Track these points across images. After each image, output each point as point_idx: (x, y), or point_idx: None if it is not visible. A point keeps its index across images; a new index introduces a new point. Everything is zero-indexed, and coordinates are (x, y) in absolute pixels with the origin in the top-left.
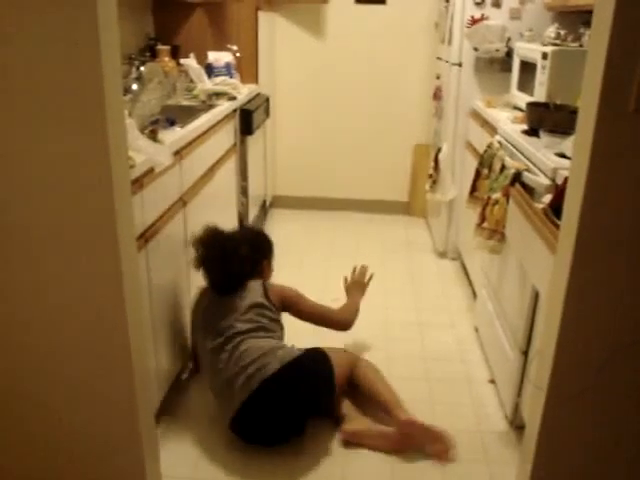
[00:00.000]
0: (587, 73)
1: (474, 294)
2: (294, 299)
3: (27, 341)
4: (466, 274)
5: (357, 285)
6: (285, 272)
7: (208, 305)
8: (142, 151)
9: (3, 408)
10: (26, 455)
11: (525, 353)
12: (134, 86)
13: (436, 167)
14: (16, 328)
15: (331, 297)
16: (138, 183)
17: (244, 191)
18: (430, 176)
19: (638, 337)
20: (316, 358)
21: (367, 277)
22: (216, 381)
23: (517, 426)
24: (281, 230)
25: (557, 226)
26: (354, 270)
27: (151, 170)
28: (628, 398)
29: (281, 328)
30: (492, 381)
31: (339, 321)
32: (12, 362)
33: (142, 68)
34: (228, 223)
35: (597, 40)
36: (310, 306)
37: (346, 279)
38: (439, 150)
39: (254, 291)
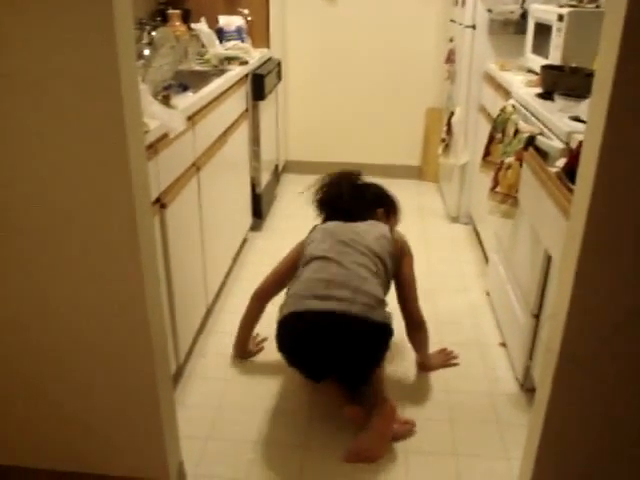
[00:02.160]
0: (604, 32)
1: (486, 259)
2: (406, 252)
3: (45, 314)
4: (478, 239)
5: (436, 359)
6: (298, 237)
7: (335, 227)
8: (156, 117)
9: (23, 382)
10: (44, 425)
11: (536, 317)
12: (146, 51)
13: (449, 131)
14: (34, 301)
15: None
16: (153, 149)
17: (256, 156)
18: (443, 140)
19: None
20: (385, 333)
21: (444, 362)
22: (306, 281)
23: (528, 389)
24: (293, 195)
25: (571, 190)
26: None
27: (165, 136)
28: (638, 364)
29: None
30: (503, 344)
31: (419, 311)
32: (30, 337)
33: (154, 33)
34: (241, 188)
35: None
36: (413, 272)
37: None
38: (452, 114)
39: (382, 226)
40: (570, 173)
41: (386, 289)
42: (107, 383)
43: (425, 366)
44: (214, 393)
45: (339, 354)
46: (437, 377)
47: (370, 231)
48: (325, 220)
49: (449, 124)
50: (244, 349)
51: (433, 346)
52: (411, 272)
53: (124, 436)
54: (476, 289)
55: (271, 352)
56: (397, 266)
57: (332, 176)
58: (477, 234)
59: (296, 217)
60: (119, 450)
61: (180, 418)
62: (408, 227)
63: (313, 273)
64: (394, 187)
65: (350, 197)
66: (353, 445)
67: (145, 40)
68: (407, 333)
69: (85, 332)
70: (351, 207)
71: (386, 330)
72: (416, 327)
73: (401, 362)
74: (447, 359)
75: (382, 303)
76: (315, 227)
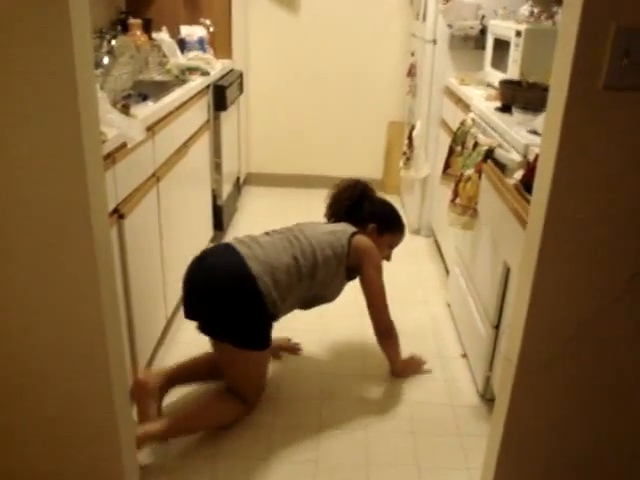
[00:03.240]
0: (558, 49)
1: (447, 271)
2: (367, 260)
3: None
4: (439, 251)
5: (408, 365)
6: None
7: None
8: (114, 125)
9: None
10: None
11: (496, 327)
12: (105, 60)
13: (410, 144)
14: None
15: None
16: (110, 158)
17: (218, 168)
18: (404, 153)
19: (603, 310)
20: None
21: (414, 370)
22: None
23: (488, 399)
24: (255, 208)
25: (528, 201)
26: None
27: (124, 145)
28: (595, 368)
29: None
30: (464, 356)
31: (385, 319)
32: None
33: (113, 42)
34: (202, 200)
35: (568, 16)
36: (377, 279)
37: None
38: (413, 127)
39: (348, 228)
40: (527, 185)
41: (299, 278)
42: (62, 396)
43: (397, 372)
44: (174, 406)
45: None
46: (398, 389)
47: (326, 228)
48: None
49: (410, 137)
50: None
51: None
52: (375, 276)
53: (80, 452)
54: (437, 301)
55: None
56: (359, 270)
57: (348, 183)
58: (438, 246)
59: (257, 229)
60: (76, 467)
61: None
62: None
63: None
64: None
65: (348, 204)
66: None
67: (105, 49)
68: (377, 340)
69: (39, 344)
70: (344, 212)
71: (249, 279)
72: (384, 334)
73: (365, 372)
74: (418, 366)
75: (272, 272)
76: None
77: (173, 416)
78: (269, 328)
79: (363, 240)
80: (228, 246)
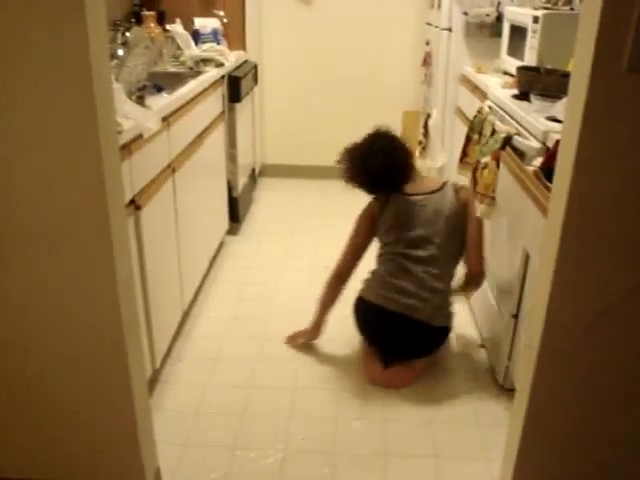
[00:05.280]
0: (580, 33)
1: None
2: (471, 200)
3: (15, 317)
4: None
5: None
6: (276, 241)
7: (403, 214)
8: (130, 116)
9: None
10: (18, 434)
11: (515, 316)
12: (120, 52)
13: (426, 133)
14: (3, 305)
15: (323, 265)
16: (126, 149)
17: (233, 159)
18: (420, 142)
19: (626, 296)
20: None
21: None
22: (393, 273)
23: (507, 389)
24: (271, 199)
25: (548, 189)
26: None
27: (139, 136)
28: (618, 357)
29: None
30: (482, 346)
31: (481, 256)
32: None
33: (128, 34)
34: (218, 191)
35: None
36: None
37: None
38: (429, 116)
39: (445, 195)
40: (547, 172)
41: (456, 258)
42: (80, 388)
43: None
44: (191, 398)
45: (397, 347)
46: (418, 379)
47: (440, 212)
48: (371, 189)
49: (426, 126)
50: (320, 331)
51: None
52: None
53: (99, 443)
54: None
55: (249, 358)
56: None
57: (365, 145)
58: None
59: (273, 221)
60: (94, 458)
61: (157, 424)
62: None
63: (388, 275)
64: None
65: (388, 168)
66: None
67: (119, 41)
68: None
69: (57, 337)
70: (395, 177)
71: (443, 332)
72: (479, 263)
73: None
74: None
75: (446, 302)
76: (384, 200)
77: None
78: None
79: (462, 189)
80: None
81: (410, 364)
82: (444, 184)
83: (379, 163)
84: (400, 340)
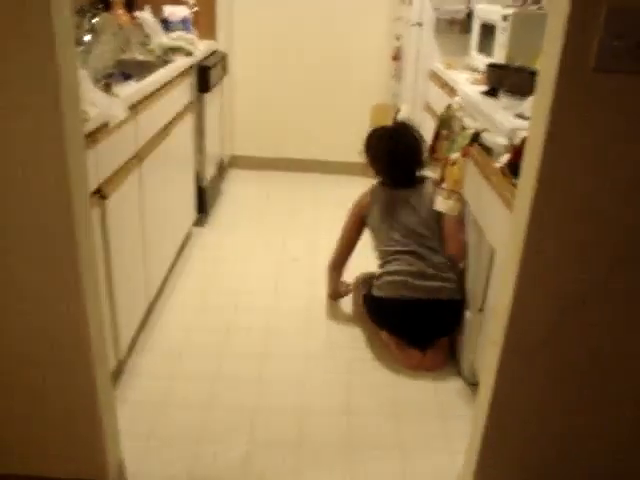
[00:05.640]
0: (548, 30)
1: None
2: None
3: None
4: None
5: None
6: (243, 232)
7: (388, 199)
8: (96, 104)
9: None
10: None
11: (481, 311)
12: (87, 38)
13: None
14: None
15: (290, 256)
16: (92, 137)
17: (201, 149)
18: None
19: (589, 294)
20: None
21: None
22: (392, 261)
23: (472, 383)
24: (239, 191)
25: (514, 185)
26: None
27: (105, 125)
28: (581, 353)
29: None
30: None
31: (460, 246)
32: None
33: (95, 20)
34: (185, 181)
35: None
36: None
37: None
38: (398, 111)
39: (428, 193)
40: (514, 168)
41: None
42: (43, 379)
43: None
44: (156, 390)
45: (431, 331)
46: (383, 371)
47: (422, 202)
48: (387, 172)
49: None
50: (338, 294)
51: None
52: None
53: (61, 434)
54: None
55: (214, 349)
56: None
57: (390, 131)
58: None
59: (241, 213)
60: (56, 450)
61: (121, 415)
62: None
63: (405, 266)
64: (340, 183)
65: (407, 163)
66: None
67: (86, 27)
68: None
69: (19, 326)
70: (408, 173)
71: (462, 305)
72: (461, 245)
73: (348, 353)
74: None
75: (452, 269)
76: (372, 191)
77: None
78: None
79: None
80: None
81: (440, 343)
82: (424, 179)
83: (404, 150)
84: (433, 324)
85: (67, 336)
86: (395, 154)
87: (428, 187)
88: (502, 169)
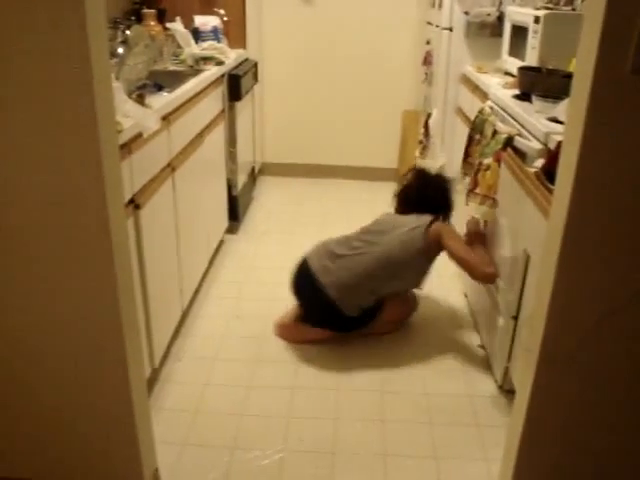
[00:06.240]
0: (583, 34)
1: None
2: (444, 234)
3: (17, 315)
4: None
5: (475, 237)
6: (275, 239)
7: (385, 216)
8: (130, 115)
9: None
10: (14, 433)
11: (515, 318)
12: (120, 50)
13: (426, 133)
14: (5, 301)
15: None
16: (126, 148)
17: (233, 157)
18: (420, 142)
19: (629, 299)
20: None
21: (480, 225)
22: (325, 244)
23: (507, 390)
24: (270, 198)
25: (549, 190)
26: (467, 225)
27: (139, 135)
28: (619, 360)
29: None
30: (482, 346)
31: (476, 267)
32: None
33: (127, 32)
34: (217, 190)
35: (594, 0)
36: (453, 246)
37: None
38: (429, 116)
39: (424, 218)
40: (549, 173)
41: (407, 271)
42: (79, 387)
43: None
44: (190, 397)
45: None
46: (416, 378)
47: (407, 223)
48: (414, 207)
49: (426, 126)
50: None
51: (419, 347)
52: (452, 244)
53: (97, 442)
54: (454, 290)
55: (248, 358)
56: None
57: (420, 176)
58: None
59: (273, 220)
60: (92, 457)
61: (156, 423)
62: None
63: (334, 243)
64: (371, 189)
65: (417, 202)
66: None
67: (119, 39)
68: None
69: (56, 336)
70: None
71: (334, 309)
72: (480, 273)
73: (384, 362)
74: (477, 226)
75: (356, 294)
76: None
77: None
78: None
79: (435, 227)
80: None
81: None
82: (421, 224)
83: (433, 196)
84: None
85: (103, 345)
86: (426, 197)
87: (419, 229)
88: (537, 174)
